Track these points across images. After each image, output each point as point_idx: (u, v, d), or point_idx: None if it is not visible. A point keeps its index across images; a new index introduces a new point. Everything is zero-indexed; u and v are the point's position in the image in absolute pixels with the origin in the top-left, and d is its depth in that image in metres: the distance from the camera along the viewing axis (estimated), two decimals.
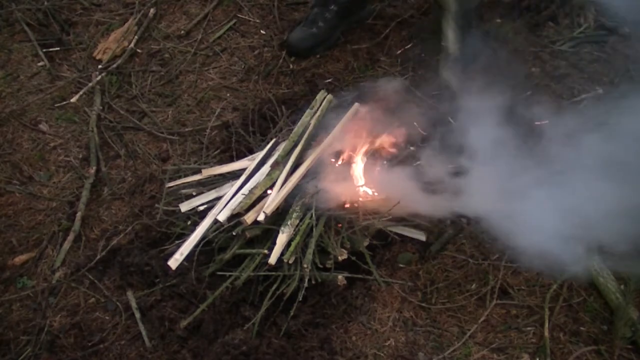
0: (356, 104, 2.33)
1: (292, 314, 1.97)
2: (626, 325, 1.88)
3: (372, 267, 2.06)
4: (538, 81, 2.50)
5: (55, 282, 2.21)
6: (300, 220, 2.06)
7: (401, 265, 2.14)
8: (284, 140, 2.29)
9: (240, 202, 2.10)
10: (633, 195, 1.86)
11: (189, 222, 2.21)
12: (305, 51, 2.86)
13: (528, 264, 1.98)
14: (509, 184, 1.98)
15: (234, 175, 2.28)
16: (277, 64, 2.88)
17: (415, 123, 2.31)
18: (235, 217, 2.08)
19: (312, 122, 2.27)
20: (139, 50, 3.02)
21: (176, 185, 2.33)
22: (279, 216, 2.09)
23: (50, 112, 2.81)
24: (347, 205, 2.13)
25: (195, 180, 2.31)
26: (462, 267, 2.11)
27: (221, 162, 2.46)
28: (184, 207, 2.23)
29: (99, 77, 2.89)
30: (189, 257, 2.09)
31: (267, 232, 2.09)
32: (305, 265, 1.96)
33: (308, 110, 2.31)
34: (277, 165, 2.19)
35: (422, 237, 2.15)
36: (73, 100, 2.81)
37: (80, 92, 2.84)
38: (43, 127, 2.75)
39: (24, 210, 2.46)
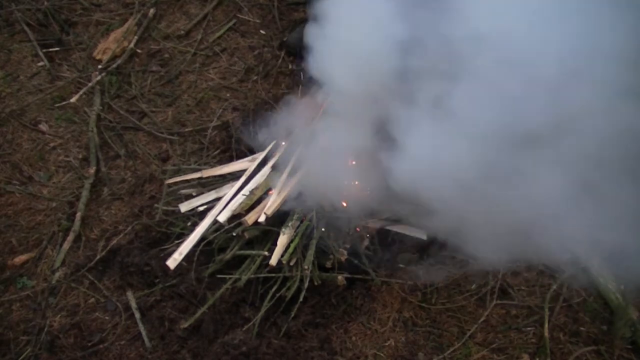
0: None
1: (292, 314, 1.97)
2: (626, 325, 1.88)
3: (369, 268, 2.06)
4: None
5: (55, 282, 2.21)
6: (301, 222, 2.06)
7: (401, 265, 2.14)
8: (284, 141, 2.29)
9: (241, 202, 2.10)
10: None
11: (189, 223, 2.21)
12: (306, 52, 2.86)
13: None
14: None
15: (234, 176, 2.28)
16: (276, 64, 2.88)
17: None
18: (235, 217, 2.08)
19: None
20: (138, 50, 3.02)
21: (175, 182, 2.34)
22: (277, 218, 2.09)
23: (50, 112, 2.80)
24: (345, 204, 2.13)
25: (195, 179, 2.31)
26: (462, 267, 2.11)
27: (221, 162, 2.46)
28: (184, 207, 2.23)
29: (98, 77, 2.89)
30: (188, 258, 2.09)
31: (266, 234, 2.09)
32: (305, 267, 1.96)
33: None
34: (278, 166, 2.19)
35: (422, 235, 2.14)
36: (73, 100, 2.81)
37: (80, 92, 2.84)
38: (43, 127, 2.75)
39: (24, 210, 2.46)
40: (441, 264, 2.11)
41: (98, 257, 2.24)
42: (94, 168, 2.54)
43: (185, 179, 2.34)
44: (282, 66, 2.88)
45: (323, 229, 2.07)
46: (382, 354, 1.94)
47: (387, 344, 1.96)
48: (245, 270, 2.02)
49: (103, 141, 2.67)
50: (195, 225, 2.16)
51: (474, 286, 2.07)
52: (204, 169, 2.34)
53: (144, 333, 2.04)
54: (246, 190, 2.14)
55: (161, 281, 2.14)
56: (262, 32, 3.04)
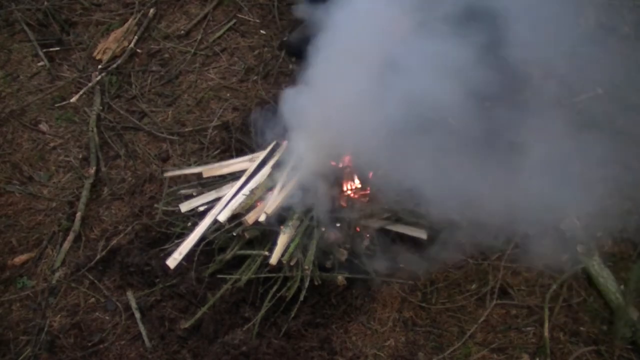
0: None
1: (292, 314, 1.97)
2: (626, 326, 1.89)
3: (369, 268, 2.06)
4: None
5: (55, 282, 2.21)
6: (301, 222, 2.06)
7: (401, 265, 2.14)
8: (284, 141, 2.29)
9: (241, 202, 2.10)
10: None
11: (189, 223, 2.21)
12: (306, 52, 2.85)
13: None
14: None
15: (234, 176, 2.28)
16: (276, 64, 2.88)
17: None
18: (236, 217, 2.09)
19: None
20: (139, 50, 3.02)
21: (175, 182, 2.34)
22: (277, 218, 2.09)
23: (50, 112, 2.80)
24: (344, 205, 2.13)
25: (195, 175, 2.31)
26: (462, 267, 2.11)
27: (221, 162, 2.45)
28: (184, 207, 2.23)
29: (99, 77, 2.89)
30: (188, 257, 2.09)
31: (266, 234, 2.09)
32: (306, 267, 1.96)
33: None
34: (278, 166, 2.20)
35: (423, 235, 2.14)
36: (73, 100, 2.81)
37: (80, 92, 2.84)
38: (43, 127, 2.75)
39: (24, 210, 2.46)
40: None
41: (98, 257, 2.24)
42: (94, 168, 2.54)
43: (184, 173, 2.34)
44: (282, 66, 2.88)
45: (323, 229, 2.07)
46: (382, 354, 1.94)
47: (387, 343, 1.96)
48: (245, 270, 2.02)
49: (103, 141, 2.67)
50: (195, 225, 2.16)
51: (474, 286, 2.07)
52: (205, 169, 2.34)
53: (144, 333, 2.04)
54: (246, 190, 2.15)
55: (161, 281, 2.14)
56: (262, 32, 3.04)
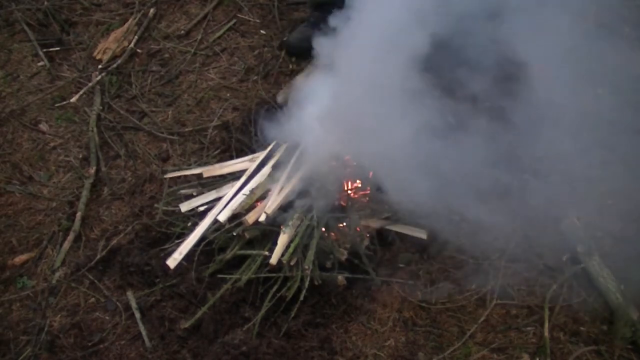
0: None
1: (292, 314, 1.97)
2: (626, 326, 1.88)
3: (369, 267, 2.06)
4: None
5: (55, 282, 2.21)
6: (301, 222, 2.06)
7: (401, 265, 2.14)
8: (284, 141, 2.30)
9: (242, 202, 2.10)
10: None
11: (189, 223, 2.21)
12: (306, 52, 2.86)
13: None
14: None
15: (234, 176, 2.28)
16: (276, 64, 2.88)
17: None
18: (236, 217, 2.09)
19: None
20: (139, 50, 3.02)
21: (175, 182, 2.34)
22: (277, 218, 2.09)
23: (50, 112, 2.81)
24: (344, 204, 2.13)
25: (195, 175, 2.31)
26: (462, 267, 2.11)
27: (221, 161, 2.46)
28: (184, 207, 2.23)
29: (99, 77, 2.89)
30: (189, 257, 2.09)
31: (266, 234, 2.09)
32: (306, 267, 1.96)
33: None
34: (279, 165, 2.20)
35: (423, 235, 2.14)
36: (73, 100, 2.81)
37: (80, 92, 2.84)
38: (43, 127, 2.75)
39: (24, 210, 2.46)
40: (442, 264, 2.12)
41: (98, 257, 2.24)
42: (94, 168, 2.54)
43: (184, 174, 2.34)
44: (282, 66, 2.88)
45: (323, 229, 2.07)
46: (382, 354, 1.94)
47: (387, 343, 1.96)
48: (245, 270, 2.02)
49: (103, 141, 2.67)
50: (195, 225, 2.16)
51: (474, 286, 2.07)
52: (205, 169, 2.34)
53: (144, 333, 2.04)
54: (246, 190, 2.15)
55: (161, 281, 2.14)
56: (262, 32, 3.05)
